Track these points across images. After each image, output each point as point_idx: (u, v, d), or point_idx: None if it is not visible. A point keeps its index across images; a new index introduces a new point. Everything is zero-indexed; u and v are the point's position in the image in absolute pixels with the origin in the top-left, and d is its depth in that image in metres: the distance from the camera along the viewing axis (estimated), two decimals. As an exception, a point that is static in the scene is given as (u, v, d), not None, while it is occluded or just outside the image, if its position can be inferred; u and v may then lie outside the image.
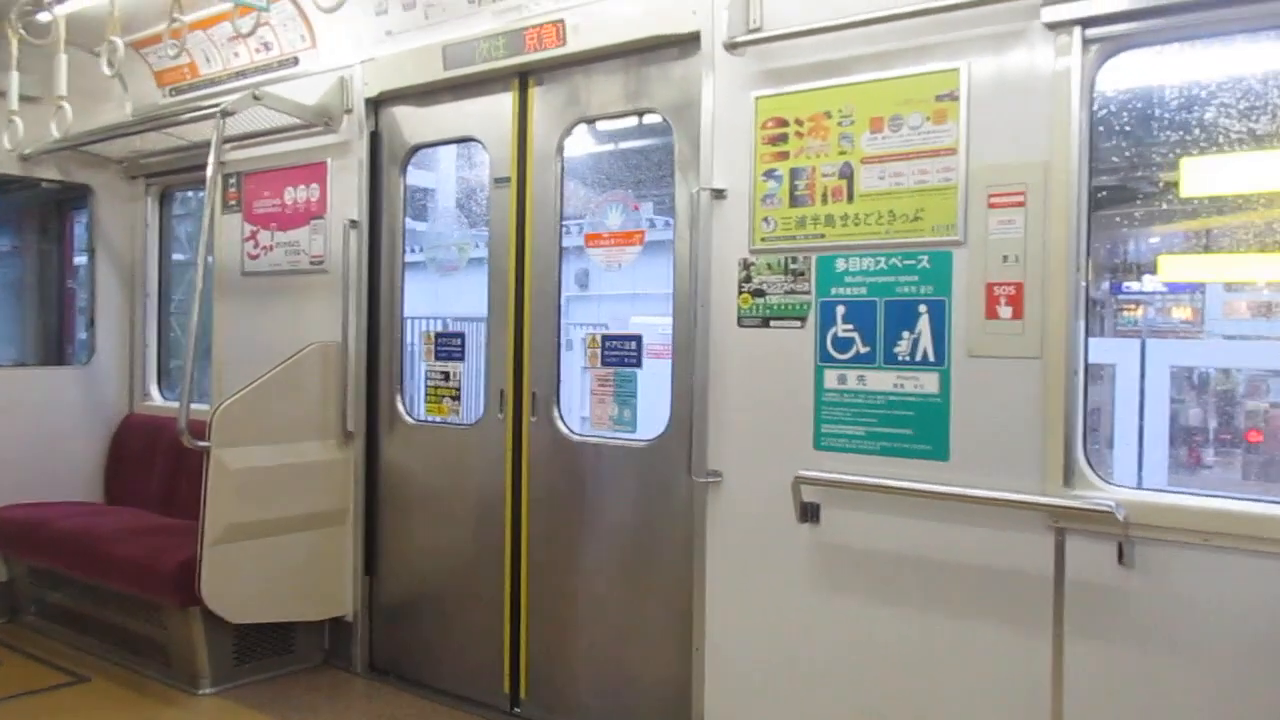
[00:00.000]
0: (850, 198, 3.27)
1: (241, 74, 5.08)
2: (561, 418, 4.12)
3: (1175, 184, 4.09)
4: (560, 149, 4.14)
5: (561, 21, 3.92)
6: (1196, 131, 3.42)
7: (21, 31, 4.65)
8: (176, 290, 6.27)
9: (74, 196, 6.13)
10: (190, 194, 6.22)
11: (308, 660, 4.82)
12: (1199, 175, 3.70)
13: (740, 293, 3.50)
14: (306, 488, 4.62)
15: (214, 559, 4.30)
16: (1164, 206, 4.56)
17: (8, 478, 5.50)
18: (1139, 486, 3.18)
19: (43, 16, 4.59)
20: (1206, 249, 4.61)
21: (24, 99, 4.97)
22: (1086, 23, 2.86)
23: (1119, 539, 2.78)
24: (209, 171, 4.49)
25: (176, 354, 6.12)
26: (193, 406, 4.40)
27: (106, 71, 4.41)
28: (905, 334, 3.16)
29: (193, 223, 6.46)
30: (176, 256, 6.29)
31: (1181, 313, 5.83)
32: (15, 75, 4.87)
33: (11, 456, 5.53)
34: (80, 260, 6.31)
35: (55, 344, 6.46)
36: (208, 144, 4.60)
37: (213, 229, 4.83)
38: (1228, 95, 3.31)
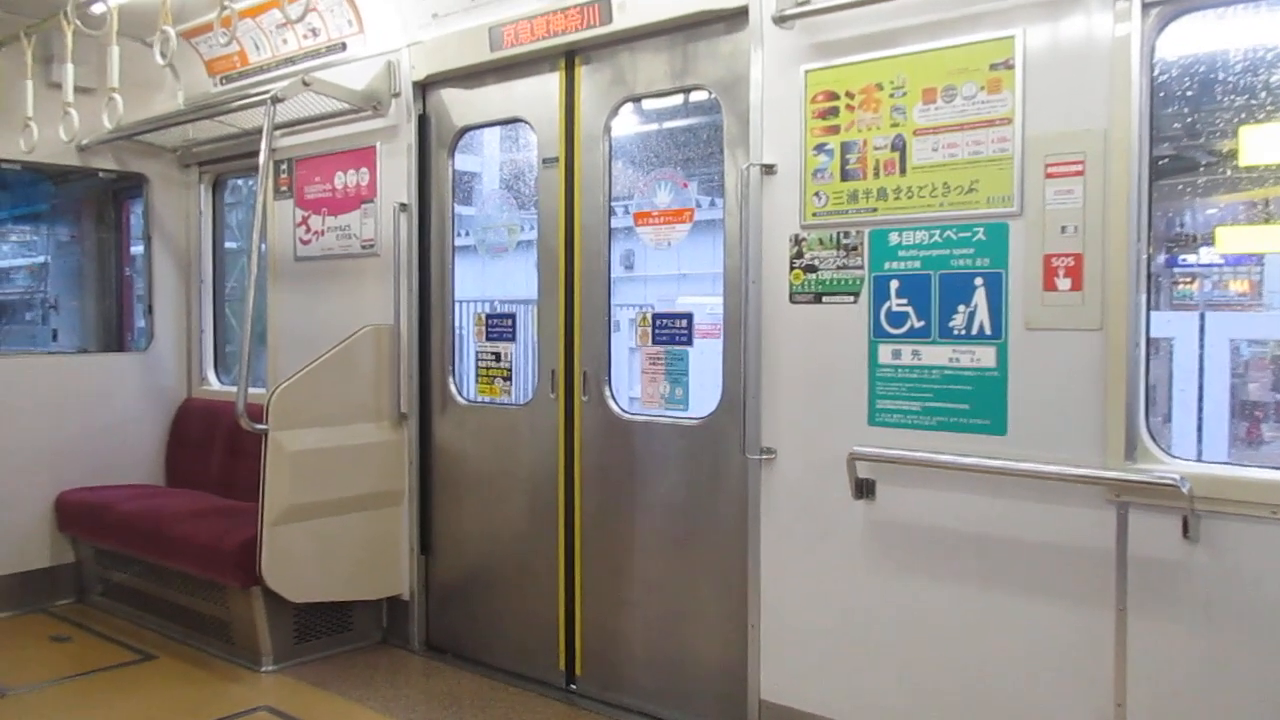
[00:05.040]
0: (903, 170, 3.23)
1: (290, 60, 5.13)
2: (613, 397, 4.13)
3: (1235, 152, 4.00)
4: (608, 128, 4.13)
5: (608, -1, 3.91)
6: (1262, 95, 3.34)
7: (76, 23, 4.73)
8: (230, 277, 6.37)
9: (129, 186, 6.23)
10: (241, 181, 6.31)
11: (366, 638, 4.90)
12: (1260, 143, 3.61)
13: (792, 269, 3.48)
14: (362, 469, 4.68)
15: (273, 540, 4.38)
16: (1224, 175, 4.46)
17: (72, 462, 5.64)
18: (1199, 460, 3.12)
19: (97, 8, 4.65)
20: (1268, 219, 4.51)
21: (79, 90, 5.05)
22: (1146, -14, 2.79)
23: (1184, 513, 2.74)
24: (261, 158, 4.54)
25: (232, 339, 6.22)
26: (250, 390, 4.47)
27: (159, 61, 4.46)
28: (961, 307, 3.12)
29: (244, 210, 6.54)
30: (229, 244, 6.39)
31: (1240, 285, 5.71)
32: (71, 67, 4.95)
33: (75, 441, 5.66)
34: (137, 248, 6.43)
35: (115, 331, 6.59)
36: (259, 131, 4.66)
37: (265, 215, 4.89)
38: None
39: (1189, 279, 5.70)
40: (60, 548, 5.62)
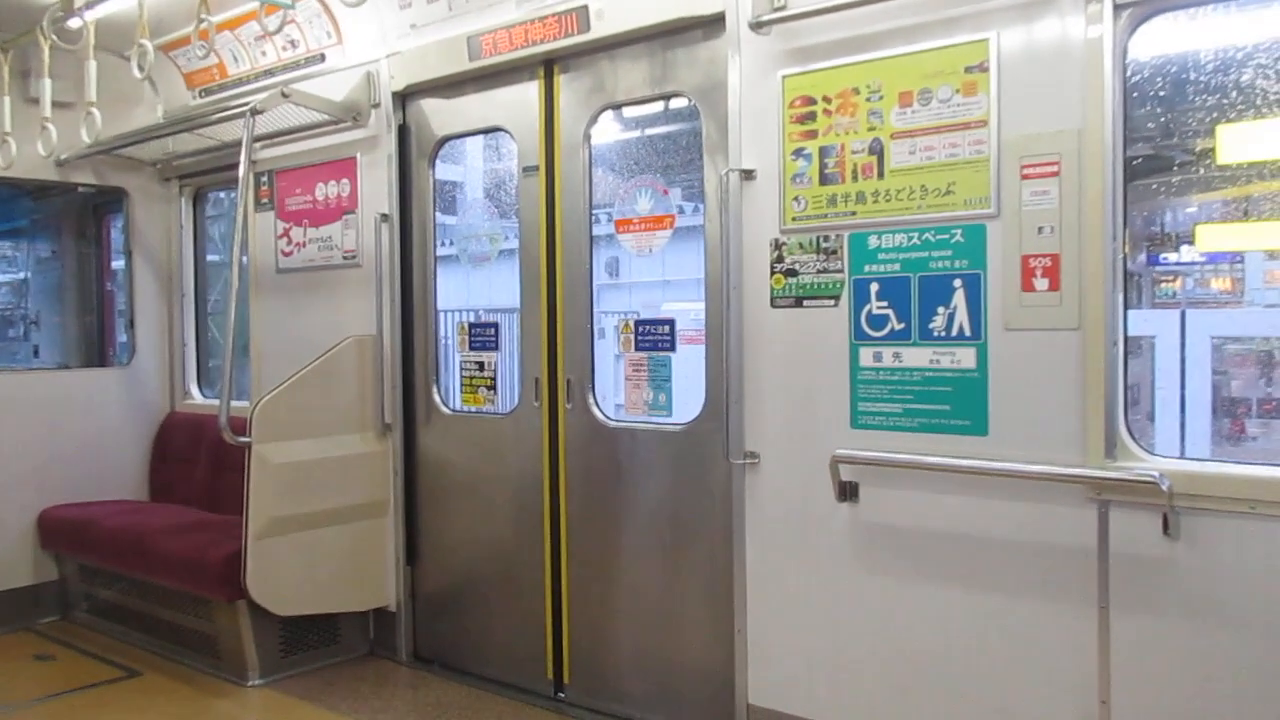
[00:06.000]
0: (881, 174, 3.24)
1: (269, 72, 5.13)
2: (597, 404, 4.13)
3: (1212, 151, 4.03)
4: (587, 136, 4.14)
5: (585, 7, 3.92)
6: (1234, 95, 3.36)
7: (53, 38, 4.71)
8: (213, 290, 6.35)
9: (109, 200, 6.22)
10: (222, 194, 6.29)
11: (353, 651, 4.88)
12: (1237, 141, 3.63)
13: (772, 273, 3.49)
14: (346, 480, 4.67)
15: (258, 553, 4.36)
16: (1201, 174, 4.49)
17: (55, 478, 5.61)
18: (1182, 457, 3.14)
19: (73, 22, 4.65)
20: (1246, 216, 4.54)
21: (57, 105, 5.04)
22: (1117, -12, 2.82)
23: (1163, 510, 2.75)
24: (241, 170, 4.53)
25: (215, 353, 6.20)
26: (233, 403, 4.46)
27: (137, 75, 4.46)
28: (940, 309, 3.13)
29: (225, 223, 6.52)
30: (211, 257, 6.37)
31: (1221, 283, 5.75)
32: (48, 82, 4.93)
33: (58, 457, 5.63)
34: (118, 263, 6.40)
35: (97, 346, 6.57)
36: (239, 143, 4.65)
37: (246, 227, 4.88)
38: (1264, 57, 3.25)
39: (1170, 277, 5.73)
40: (43, 565, 5.59)
